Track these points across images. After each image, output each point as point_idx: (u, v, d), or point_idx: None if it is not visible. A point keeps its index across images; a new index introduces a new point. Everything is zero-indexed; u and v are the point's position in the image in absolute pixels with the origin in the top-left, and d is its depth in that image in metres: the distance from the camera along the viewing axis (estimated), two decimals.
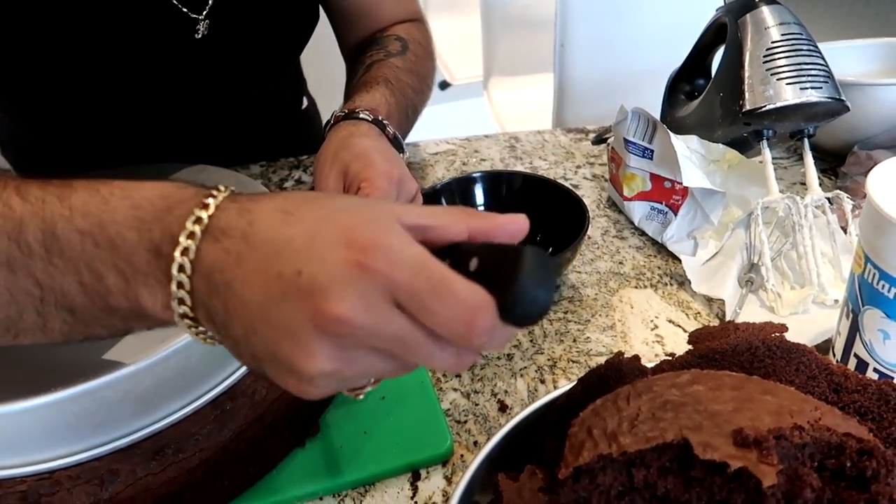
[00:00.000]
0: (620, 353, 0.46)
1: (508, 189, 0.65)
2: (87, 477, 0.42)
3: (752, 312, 0.58)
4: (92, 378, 0.40)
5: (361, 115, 0.60)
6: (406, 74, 0.69)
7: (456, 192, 0.64)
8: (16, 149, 0.85)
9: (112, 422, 0.42)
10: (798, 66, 0.60)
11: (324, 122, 1.01)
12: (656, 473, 0.36)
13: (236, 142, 0.83)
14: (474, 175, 0.65)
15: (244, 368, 0.47)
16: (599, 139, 0.82)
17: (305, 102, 0.93)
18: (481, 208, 0.65)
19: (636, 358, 0.46)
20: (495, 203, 0.66)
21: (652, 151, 0.66)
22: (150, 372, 0.42)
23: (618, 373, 0.46)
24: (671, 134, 0.63)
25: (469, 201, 0.65)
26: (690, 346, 0.48)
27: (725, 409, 0.37)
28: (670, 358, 0.47)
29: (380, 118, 0.60)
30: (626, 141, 0.68)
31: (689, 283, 0.61)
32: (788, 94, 0.60)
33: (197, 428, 0.44)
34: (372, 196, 0.51)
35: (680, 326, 0.58)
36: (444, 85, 1.88)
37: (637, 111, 0.67)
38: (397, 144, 0.60)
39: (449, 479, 0.47)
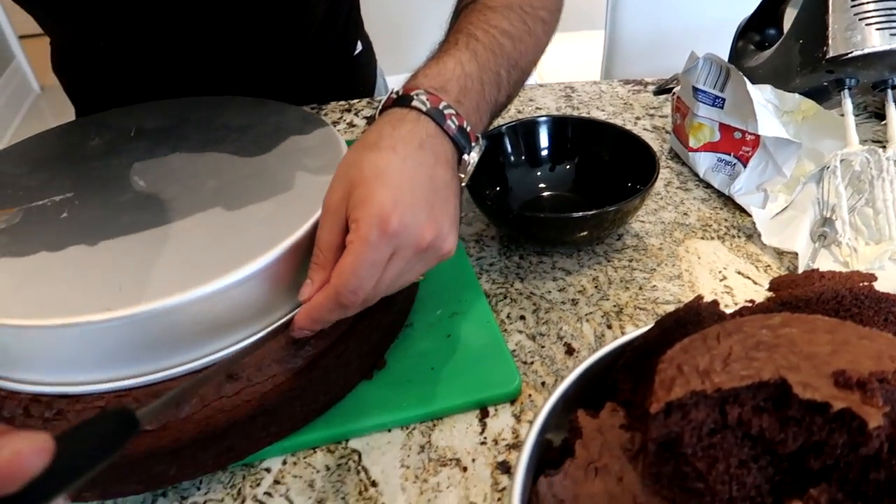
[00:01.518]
0: (700, 297, 0.45)
1: (573, 134, 0.64)
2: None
3: (825, 267, 0.56)
4: (169, 298, 0.40)
5: (415, 103, 0.45)
6: (503, 18, 0.53)
7: (520, 134, 0.63)
8: (69, 72, 0.84)
9: (188, 343, 0.42)
10: (889, 11, 0.57)
11: (378, 70, 1.00)
12: (751, 412, 0.35)
13: (282, 84, 0.81)
14: (539, 119, 0.63)
15: None
16: (662, 90, 0.79)
17: (360, 47, 0.91)
18: (545, 152, 0.64)
19: (715, 303, 0.45)
20: (559, 148, 0.64)
21: (723, 100, 0.64)
22: (225, 295, 0.42)
23: (696, 316, 0.45)
24: (747, 81, 0.60)
25: (533, 144, 0.63)
26: (770, 294, 0.47)
27: (822, 351, 0.36)
28: (750, 304, 0.46)
29: (440, 107, 0.45)
30: (696, 89, 0.65)
31: (758, 235, 0.59)
32: (876, 41, 0.57)
33: (270, 354, 0.44)
34: (351, 248, 0.40)
35: (750, 278, 0.57)
36: None
37: (709, 57, 0.64)
38: (462, 140, 0.46)
39: (518, 418, 0.47)
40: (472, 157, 0.47)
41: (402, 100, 0.46)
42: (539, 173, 0.64)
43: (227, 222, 0.46)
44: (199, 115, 0.60)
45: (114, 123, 0.59)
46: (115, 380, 0.42)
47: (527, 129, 0.63)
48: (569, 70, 1.48)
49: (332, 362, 0.45)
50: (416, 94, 0.46)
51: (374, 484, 0.43)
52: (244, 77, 0.77)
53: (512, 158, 0.63)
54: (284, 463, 0.45)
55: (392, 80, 0.99)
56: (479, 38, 0.51)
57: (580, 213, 0.53)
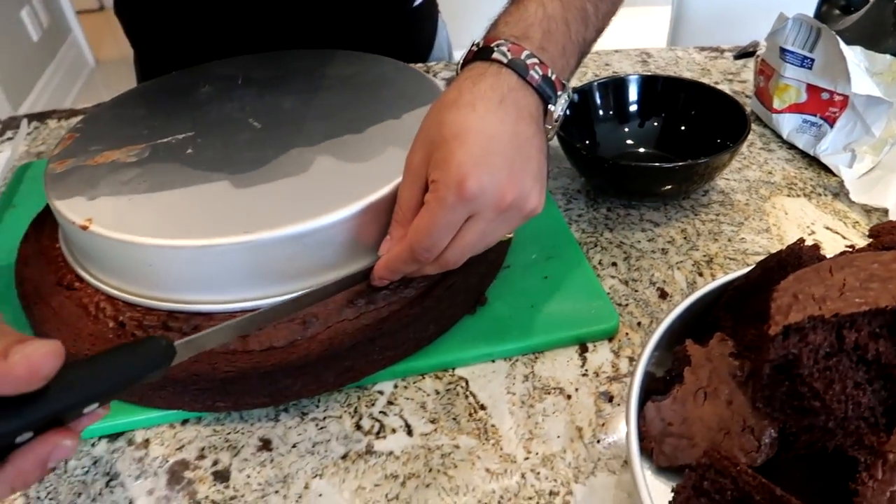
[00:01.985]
0: (801, 240, 0.46)
1: (662, 92, 0.65)
2: (290, 317, 0.45)
3: None
4: (298, 224, 0.43)
5: (495, 55, 0.43)
6: None
7: (610, 90, 0.64)
8: (130, 13, 0.85)
9: (313, 269, 0.45)
10: None
11: (440, 22, 1.00)
12: (867, 337, 0.36)
13: (332, 36, 0.77)
14: (630, 76, 0.65)
15: None
16: (742, 54, 0.80)
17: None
18: (634, 107, 0.65)
19: (816, 247, 0.46)
20: (647, 105, 0.65)
21: (812, 60, 0.64)
22: (345, 226, 0.44)
23: (797, 259, 0.46)
24: (840, 40, 0.61)
25: (622, 101, 0.65)
26: (870, 241, 0.48)
27: None
28: (850, 249, 0.47)
29: (522, 57, 0.43)
30: (783, 50, 0.66)
31: (846, 194, 0.60)
32: None
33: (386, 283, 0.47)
34: (427, 207, 0.40)
35: (838, 233, 0.57)
36: None
37: (799, 18, 0.65)
38: (547, 89, 0.44)
39: (616, 353, 0.49)
40: (559, 108, 0.45)
41: (482, 52, 0.44)
42: (626, 129, 0.65)
43: (341, 160, 0.49)
44: (299, 65, 0.63)
45: (219, 73, 0.62)
46: (246, 300, 0.45)
47: (617, 86, 0.64)
48: (635, 44, 1.48)
49: (443, 293, 0.47)
50: (497, 45, 0.44)
51: (482, 407, 0.46)
52: (295, 28, 0.77)
53: (601, 113, 0.65)
54: (396, 387, 0.48)
55: (455, 34, 0.98)
56: None
57: (672, 164, 0.55)
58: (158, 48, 0.87)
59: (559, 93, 0.45)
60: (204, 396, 0.45)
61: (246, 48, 0.67)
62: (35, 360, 0.27)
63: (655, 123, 0.65)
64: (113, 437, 0.46)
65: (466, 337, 0.49)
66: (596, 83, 0.64)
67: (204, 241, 0.42)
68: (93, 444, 0.45)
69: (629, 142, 0.65)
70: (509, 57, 0.43)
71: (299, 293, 0.42)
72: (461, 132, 0.41)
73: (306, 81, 0.60)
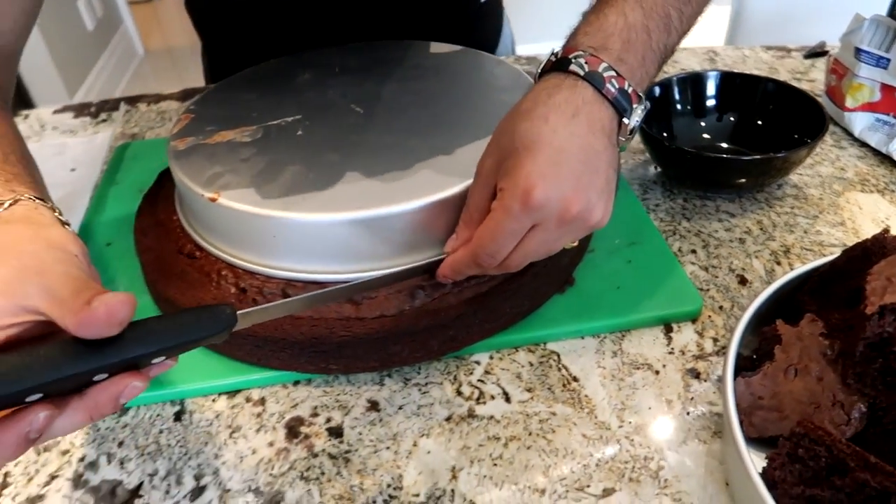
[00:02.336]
0: (886, 229, 0.48)
1: (739, 88, 0.67)
2: (398, 287, 0.48)
3: None
4: (408, 202, 0.46)
5: (572, 67, 0.43)
6: None
7: (689, 84, 0.67)
8: (200, 8, 0.87)
9: (421, 244, 0.48)
10: None
11: (505, 18, 1.02)
12: None
13: (394, 34, 0.76)
14: (709, 72, 0.67)
15: None
16: (812, 53, 0.81)
17: None
18: (711, 102, 0.67)
19: None
20: (724, 101, 0.67)
21: (888, 61, 0.66)
22: (446, 205, 0.47)
23: (882, 248, 0.48)
24: None
25: (700, 95, 0.67)
26: None
27: None
28: None
29: (599, 69, 0.43)
30: (859, 50, 0.68)
31: None
32: None
33: None
34: (493, 215, 0.42)
35: None
36: None
37: (876, 19, 0.66)
38: (623, 102, 0.44)
39: (700, 334, 0.51)
40: (633, 120, 0.45)
41: (560, 63, 0.44)
42: (703, 123, 0.67)
43: (444, 143, 0.52)
44: (390, 55, 0.66)
45: (316, 61, 0.66)
46: (356, 271, 0.48)
47: (695, 81, 0.67)
48: (694, 42, 1.49)
49: (539, 271, 0.50)
50: (575, 57, 0.44)
51: (575, 379, 0.49)
52: (361, 24, 0.78)
53: (679, 108, 0.67)
54: (491, 358, 0.51)
55: (518, 29, 1.00)
56: None
57: (751, 157, 0.57)
58: (227, 40, 0.91)
59: (634, 105, 0.44)
60: (318, 359, 0.48)
61: (313, 42, 0.70)
62: (113, 306, 0.30)
63: (732, 118, 0.67)
64: (231, 394, 0.50)
65: (557, 314, 0.52)
66: (675, 78, 0.66)
67: (324, 215, 0.46)
68: (213, 400, 0.49)
69: (705, 136, 0.67)
70: (586, 69, 0.43)
71: (369, 276, 0.45)
72: (532, 143, 0.41)
73: (400, 70, 0.63)
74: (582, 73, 0.43)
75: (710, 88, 0.67)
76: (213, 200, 0.48)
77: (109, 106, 0.88)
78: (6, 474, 0.46)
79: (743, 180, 0.61)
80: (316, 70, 0.64)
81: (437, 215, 0.47)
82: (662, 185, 0.66)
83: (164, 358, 0.34)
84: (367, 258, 0.48)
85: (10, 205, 0.38)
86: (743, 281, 0.55)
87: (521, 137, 0.42)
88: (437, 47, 0.67)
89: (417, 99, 0.58)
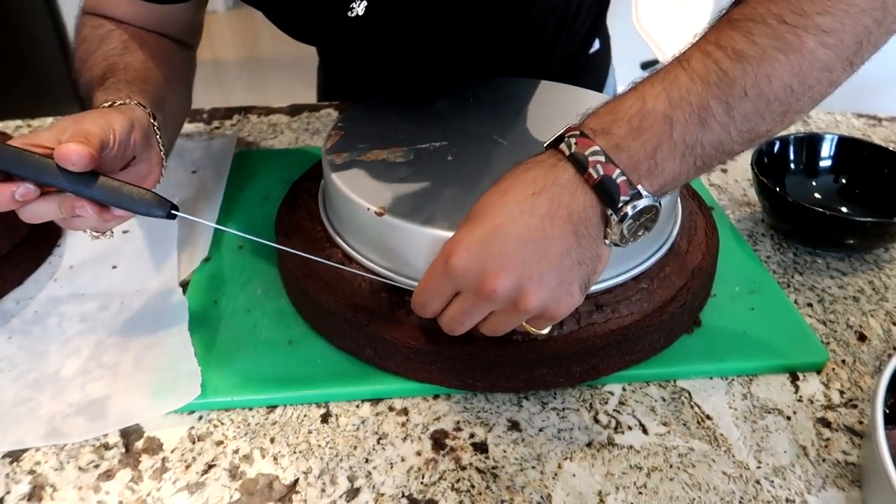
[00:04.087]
0: None
1: (853, 153, 0.70)
2: None
3: None
4: None
5: (562, 146, 0.42)
6: (741, 34, 0.40)
7: (805, 145, 0.69)
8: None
9: None
10: None
11: (611, 68, 1.05)
12: None
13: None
14: (826, 135, 0.70)
15: (661, 254, 0.55)
16: None
17: (597, 45, 0.92)
18: (826, 163, 0.70)
19: None
20: (838, 164, 0.70)
21: None
22: None
23: None
24: None
25: (814, 156, 0.70)
26: None
27: None
28: None
29: (586, 153, 0.40)
30: None
31: None
32: None
33: (630, 294, 0.52)
34: (426, 272, 0.44)
35: None
36: (647, 64, 1.92)
37: None
38: (609, 191, 0.40)
39: (826, 385, 0.53)
40: (624, 214, 0.40)
41: (556, 140, 0.43)
42: (814, 183, 0.70)
43: None
44: (519, 91, 0.70)
45: (449, 90, 0.69)
46: None
47: (811, 141, 0.69)
48: None
49: (675, 311, 0.53)
50: (569, 136, 0.42)
51: (708, 417, 0.51)
52: (471, 69, 0.79)
53: (792, 166, 0.70)
54: (624, 389, 0.53)
55: (623, 80, 1.02)
56: (690, 64, 0.41)
57: (876, 219, 0.59)
58: (341, 63, 0.95)
59: (623, 197, 0.40)
60: (466, 375, 0.50)
61: (426, 72, 0.74)
62: (63, 149, 0.43)
63: (843, 181, 0.70)
64: (374, 402, 0.52)
65: (687, 353, 0.54)
66: (793, 137, 0.69)
67: None
68: (357, 406, 0.51)
69: (817, 196, 0.69)
70: (573, 150, 0.41)
71: None
72: (478, 213, 0.42)
73: (531, 106, 0.67)
74: (567, 153, 0.41)
75: (826, 150, 0.70)
76: (380, 215, 0.51)
77: (221, 115, 0.92)
78: (164, 459, 0.48)
79: (856, 240, 0.63)
80: (451, 98, 0.67)
81: None
82: (771, 238, 0.68)
83: (94, 209, 0.46)
84: None
85: (111, 105, 0.51)
86: (862, 337, 0.57)
87: (477, 205, 0.43)
88: (566, 88, 0.70)
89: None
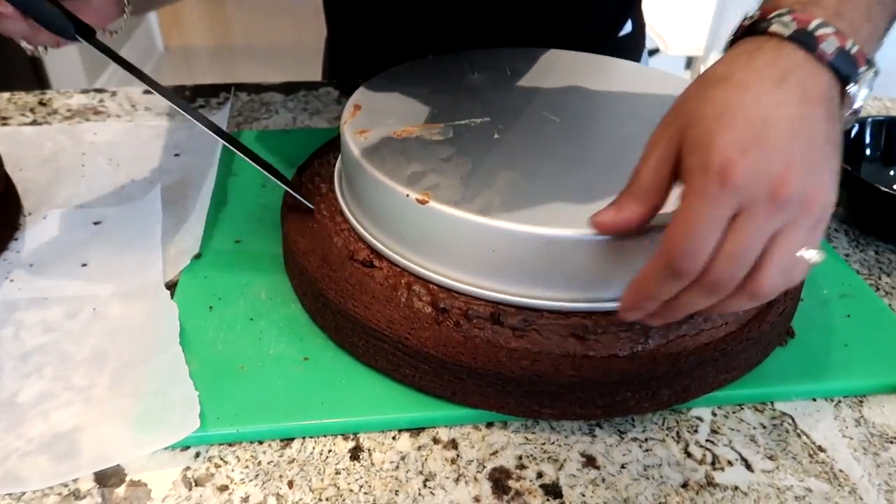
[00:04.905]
0: None
1: None
2: (631, 325, 0.41)
3: None
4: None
5: (774, 27, 0.35)
6: None
7: (885, 130, 0.61)
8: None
9: None
10: None
11: (647, 49, 0.96)
12: None
13: None
14: None
15: None
16: None
17: (629, 27, 0.86)
18: None
19: None
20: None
21: None
22: None
23: None
24: None
25: (893, 144, 0.62)
26: None
27: None
28: None
29: (810, 27, 0.35)
30: None
31: None
32: None
33: None
34: (684, 203, 0.34)
35: None
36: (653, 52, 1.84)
37: None
38: (845, 66, 0.35)
39: None
40: (861, 89, 0.36)
41: (756, 25, 0.36)
42: (892, 173, 0.62)
43: None
44: (560, 64, 0.60)
45: (479, 62, 0.59)
46: (577, 300, 0.41)
47: (891, 126, 0.61)
48: None
49: (775, 319, 0.44)
50: (777, 16, 0.36)
51: (821, 449, 0.42)
52: (489, 38, 0.73)
53: (868, 152, 0.62)
54: (714, 414, 0.44)
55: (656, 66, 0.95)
56: None
57: None
58: (352, 35, 0.85)
59: (861, 69, 0.35)
60: (531, 400, 0.41)
61: (442, 44, 0.65)
62: None
63: None
64: (414, 432, 0.42)
65: (784, 370, 0.46)
66: (870, 119, 0.61)
67: (555, 230, 0.39)
68: (394, 438, 0.42)
69: (895, 187, 0.62)
70: (793, 28, 0.35)
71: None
72: (727, 112, 0.34)
73: (576, 79, 0.57)
74: (787, 33, 0.35)
75: None
76: (423, 203, 0.41)
77: (206, 92, 0.81)
78: None
79: None
80: (484, 71, 0.58)
81: None
82: (846, 234, 0.60)
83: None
84: (597, 286, 0.41)
85: None
86: None
87: (713, 105, 0.35)
88: (609, 61, 0.61)
89: (612, 113, 0.52)
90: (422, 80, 0.56)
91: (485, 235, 0.40)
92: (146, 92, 0.81)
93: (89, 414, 0.42)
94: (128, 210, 0.60)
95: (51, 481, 0.38)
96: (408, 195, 0.42)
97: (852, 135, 0.60)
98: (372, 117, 0.50)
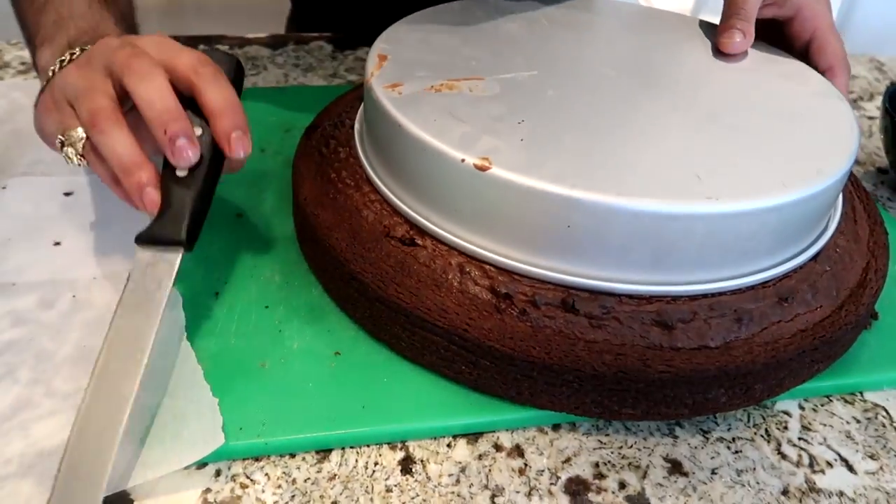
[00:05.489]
0: None
1: None
2: (721, 311, 0.36)
3: None
4: (734, 201, 0.34)
5: None
6: None
7: None
8: None
9: (749, 255, 0.36)
10: None
11: None
12: None
13: None
14: None
15: (834, 226, 0.41)
16: None
17: None
18: None
19: None
20: None
21: None
22: (795, 208, 0.36)
23: None
24: None
25: None
26: None
27: None
28: None
29: None
30: None
31: None
32: None
33: (817, 281, 0.38)
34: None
35: None
36: None
37: None
38: None
39: None
40: None
41: None
42: None
43: (746, 127, 0.40)
44: (599, 13, 0.54)
45: (508, 9, 0.52)
46: (666, 283, 0.36)
47: None
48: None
49: (868, 299, 0.39)
50: None
51: None
52: None
53: None
54: (801, 409, 0.39)
55: None
56: None
57: None
58: None
59: None
60: (611, 400, 0.35)
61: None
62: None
63: None
64: (471, 438, 0.36)
65: (871, 356, 0.41)
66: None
67: (644, 201, 0.33)
68: (449, 445, 0.36)
69: None
70: None
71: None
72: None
73: (621, 30, 0.51)
74: None
75: None
76: (483, 169, 0.34)
77: (183, 42, 0.72)
78: None
79: None
80: (518, 20, 0.51)
81: (772, 217, 0.35)
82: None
83: None
84: (684, 266, 0.35)
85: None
86: None
87: None
88: (648, 9, 0.55)
89: (668, 64, 0.46)
90: (450, 28, 0.49)
91: (558, 207, 0.34)
92: None
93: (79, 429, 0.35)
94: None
95: None
96: (463, 160, 0.35)
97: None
98: (402, 69, 0.42)
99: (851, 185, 0.48)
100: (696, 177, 0.35)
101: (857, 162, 0.61)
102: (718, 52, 0.48)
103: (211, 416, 0.34)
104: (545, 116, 0.39)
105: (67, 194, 0.50)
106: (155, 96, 0.37)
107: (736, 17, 0.47)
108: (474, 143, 0.36)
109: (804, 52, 0.49)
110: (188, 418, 0.34)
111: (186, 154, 0.37)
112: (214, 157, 0.39)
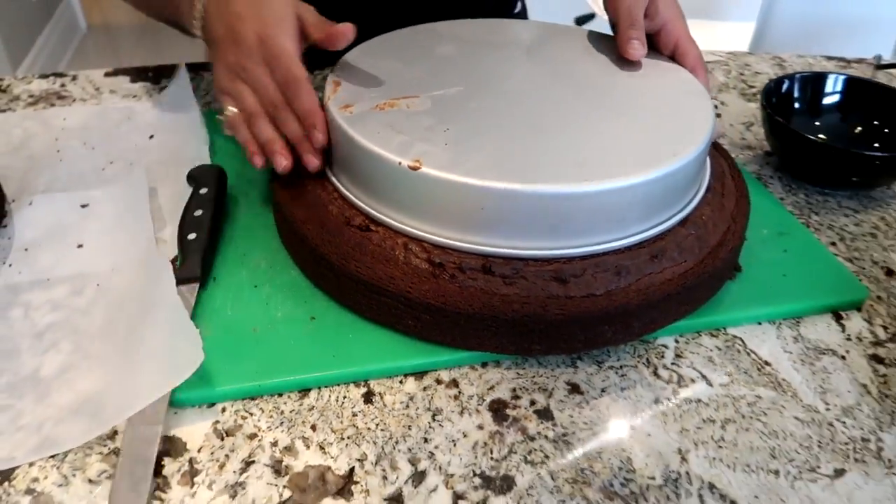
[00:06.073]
0: None
1: (856, 93, 0.69)
2: (604, 267, 0.47)
3: None
4: (617, 179, 0.45)
5: None
6: None
7: (810, 85, 0.69)
8: None
9: (624, 222, 0.47)
10: None
11: (580, 15, 1.03)
12: None
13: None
14: (830, 74, 0.69)
15: (699, 197, 0.52)
16: (884, 65, 0.86)
17: (519, 7, 0.93)
18: (827, 104, 0.69)
19: None
20: (845, 105, 0.69)
21: None
22: (656, 184, 0.47)
23: None
24: None
25: (818, 97, 0.69)
26: None
27: None
28: None
29: None
30: None
31: None
32: None
33: (681, 242, 0.49)
34: None
35: None
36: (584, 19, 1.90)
37: None
38: None
39: (869, 322, 0.53)
40: None
41: None
42: (818, 123, 0.69)
43: (624, 126, 0.51)
44: (512, 32, 0.65)
45: (444, 33, 0.63)
46: (562, 247, 0.46)
47: (816, 81, 0.69)
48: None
49: (725, 255, 0.50)
50: None
51: (767, 363, 0.49)
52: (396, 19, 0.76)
53: (797, 105, 0.69)
54: (677, 342, 0.50)
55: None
56: None
57: (889, 154, 0.59)
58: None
59: None
60: (522, 339, 0.46)
61: (378, 18, 0.68)
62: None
63: (847, 121, 0.69)
64: (418, 375, 0.47)
65: (734, 300, 0.52)
66: (798, 76, 0.68)
67: (539, 186, 0.44)
68: (401, 382, 0.46)
69: (821, 136, 0.69)
70: None
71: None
72: None
73: (532, 45, 0.62)
74: None
75: (829, 89, 0.69)
76: (415, 169, 0.45)
77: (168, 73, 0.82)
78: (191, 460, 0.41)
79: (866, 178, 0.63)
80: (453, 43, 0.62)
81: (640, 191, 0.46)
82: (780, 181, 0.68)
83: None
84: (574, 234, 0.46)
85: None
86: (890, 272, 0.57)
87: None
88: (560, 28, 0.66)
89: (573, 76, 0.57)
90: (393, 54, 0.60)
91: (474, 195, 0.45)
92: (108, 74, 0.81)
93: (111, 376, 0.45)
94: (114, 192, 0.62)
95: (88, 436, 0.42)
96: (400, 163, 0.46)
97: (783, 90, 0.67)
98: (352, 93, 0.53)
99: (727, 164, 0.59)
100: (579, 164, 0.46)
101: (748, 147, 0.73)
102: (618, 60, 0.59)
103: (194, 343, 0.44)
104: (466, 124, 0.50)
105: (84, 206, 0.60)
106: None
107: (632, 29, 0.58)
108: (409, 149, 0.47)
109: (670, 58, 0.60)
110: (179, 349, 0.44)
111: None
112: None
